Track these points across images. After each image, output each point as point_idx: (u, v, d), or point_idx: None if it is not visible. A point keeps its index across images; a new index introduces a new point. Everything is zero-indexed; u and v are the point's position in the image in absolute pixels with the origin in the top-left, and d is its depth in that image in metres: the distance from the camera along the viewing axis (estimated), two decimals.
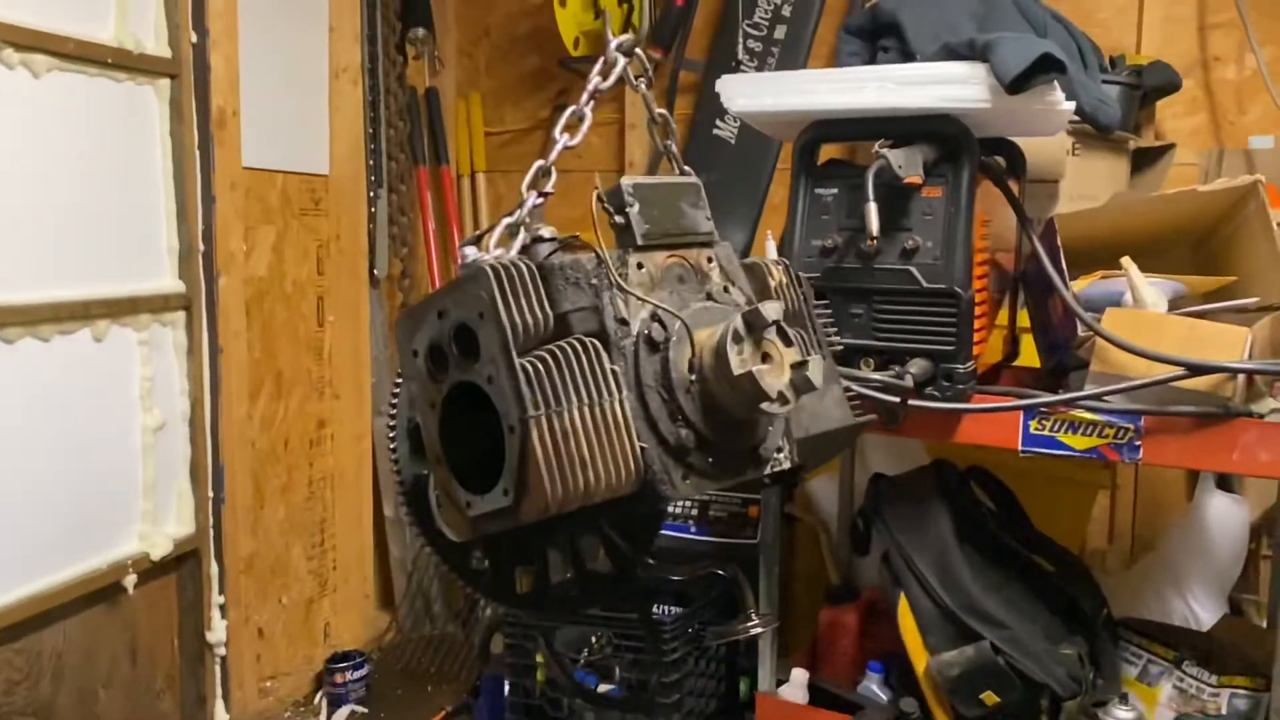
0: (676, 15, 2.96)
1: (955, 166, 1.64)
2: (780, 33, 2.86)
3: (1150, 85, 2.38)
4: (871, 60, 1.96)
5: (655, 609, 2.26)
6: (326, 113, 2.85)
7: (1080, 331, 1.64)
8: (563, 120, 1.18)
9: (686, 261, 1.18)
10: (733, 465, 1.13)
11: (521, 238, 1.11)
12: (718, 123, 2.91)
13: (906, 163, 1.59)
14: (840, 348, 1.49)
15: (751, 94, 1.76)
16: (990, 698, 1.76)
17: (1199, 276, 1.77)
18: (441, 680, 2.91)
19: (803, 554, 2.71)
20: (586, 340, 1.02)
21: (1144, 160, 2.40)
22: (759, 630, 1.41)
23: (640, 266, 1.12)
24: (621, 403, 1.01)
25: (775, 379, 1.04)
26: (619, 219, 1.13)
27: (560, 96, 3.25)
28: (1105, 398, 1.58)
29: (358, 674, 2.78)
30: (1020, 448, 1.65)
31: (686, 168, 1.30)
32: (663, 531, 1.50)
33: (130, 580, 2.22)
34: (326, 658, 2.82)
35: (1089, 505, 2.48)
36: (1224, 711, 1.82)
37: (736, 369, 1.02)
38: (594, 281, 1.08)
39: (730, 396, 1.05)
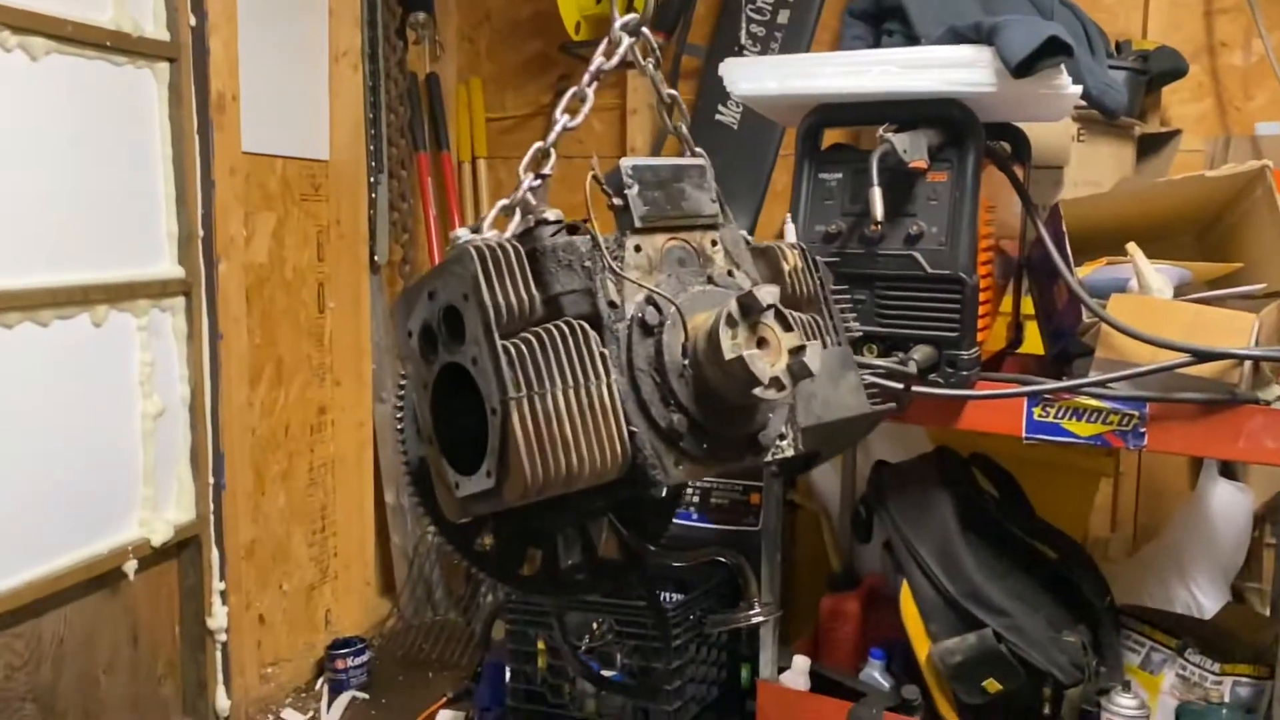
0: None
1: (960, 151, 1.62)
2: (784, 17, 2.84)
3: (1156, 70, 2.37)
4: (876, 44, 1.94)
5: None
6: (327, 98, 2.84)
7: (1085, 318, 1.63)
8: (564, 101, 1.17)
9: (688, 244, 1.16)
10: (729, 452, 1.11)
11: (518, 220, 1.10)
12: (720, 108, 2.90)
13: (911, 147, 1.58)
14: (859, 334, 1.47)
15: (755, 78, 1.75)
16: (992, 685, 1.76)
17: (1205, 263, 1.76)
18: (443, 667, 2.91)
19: (804, 541, 2.71)
20: (575, 323, 1.01)
21: (1149, 146, 2.38)
22: (761, 619, 1.40)
23: (638, 249, 1.11)
24: (609, 386, 1.00)
25: (768, 364, 1.02)
26: (617, 201, 1.12)
27: (562, 81, 3.23)
28: (1110, 384, 1.57)
29: (359, 660, 2.78)
30: (1024, 435, 1.64)
31: (699, 149, 1.28)
32: None
33: (131, 566, 2.22)
34: (327, 644, 2.82)
35: (1092, 492, 2.47)
36: (1227, 700, 1.81)
37: (728, 353, 1.00)
38: (587, 264, 1.07)
39: (723, 381, 1.04)
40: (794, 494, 2.65)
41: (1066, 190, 2.07)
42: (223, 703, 2.47)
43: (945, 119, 1.62)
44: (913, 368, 1.60)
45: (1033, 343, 1.98)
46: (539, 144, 1.14)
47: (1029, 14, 1.92)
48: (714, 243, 1.19)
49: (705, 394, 1.06)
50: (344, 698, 2.73)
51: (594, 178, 1.12)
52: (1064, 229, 1.67)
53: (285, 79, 2.68)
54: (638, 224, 1.12)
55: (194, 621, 2.43)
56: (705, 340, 1.04)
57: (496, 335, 0.96)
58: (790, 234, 1.67)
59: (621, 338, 1.05)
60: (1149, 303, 1.58)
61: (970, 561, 1.83)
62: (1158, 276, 1.62)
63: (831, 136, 1.79)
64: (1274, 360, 1.50)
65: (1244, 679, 1.82)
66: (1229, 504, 2.19)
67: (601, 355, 1.00)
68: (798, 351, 1.04)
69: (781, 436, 1.16)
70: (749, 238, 1.30)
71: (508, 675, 2.35)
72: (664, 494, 1.36)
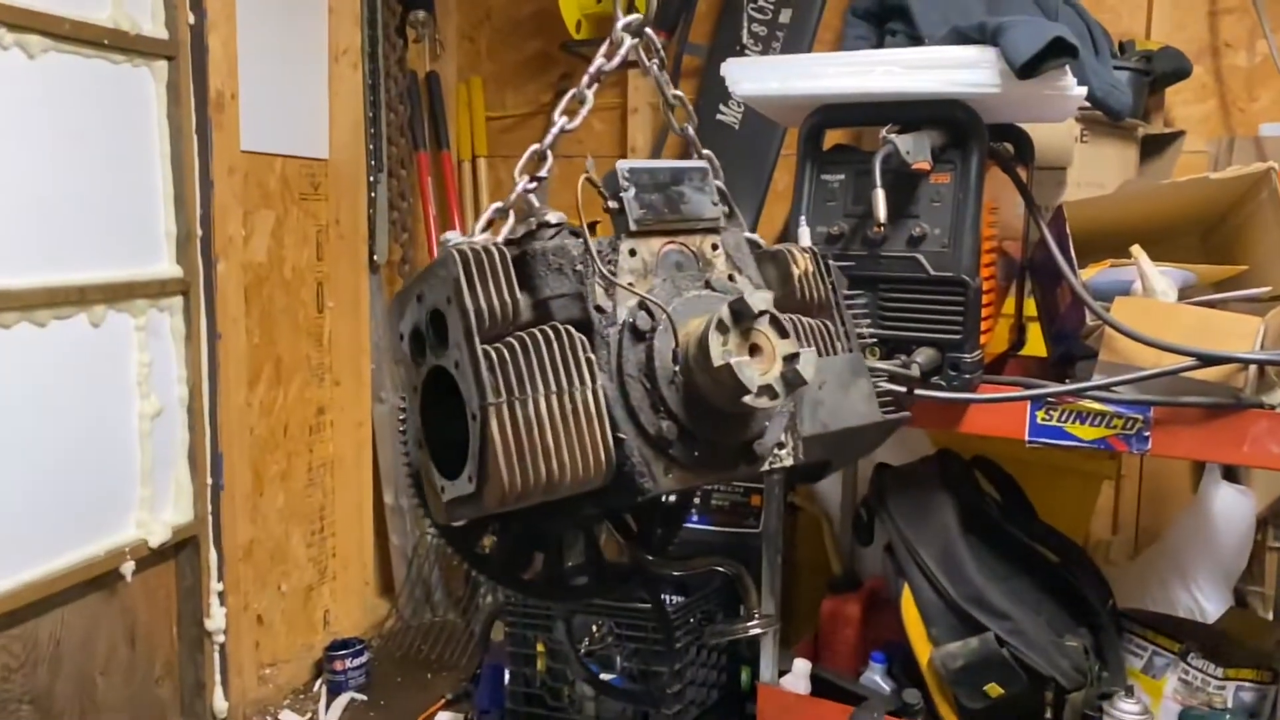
0: None
1: (964, 152, 1.61)
2: (785, 16, 2.83)
3: (1160, 71, 2.35)
4: (879, 44, 1.93)
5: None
6: (326, 96, 2.83)
7: (1088, 320, 1.62)
8: (563, 103, 1.15)
9: (687, 248, 1.15)
10: (722, 460, 1.08)
11: (511, 222, 1.09)
12: (721, 108, 2.88)
13: (914, 148, 1.56)
14: (873, 340, 1.45)
15: (757, 78, 1.73)
16: (994, 689, 1.75)
17: (1210, 265, 1.75)
18: (441, 668, 2.91)
19: (805, 543, 2.70)
20: (561, 327, 0.99)
21: (1153, 148, 2.37)
22: (759, 631, 1.38)
23: (633, 253, 1.09)
24: (594, 392, 0.98)
25: (759, 371, 0.99)
26: (613, 203, 1.10)
27: (562, 81, 3.22)
28: (1114, 388, 1.56)
29: (357, 661, 2.77)
30: (1027, 438, 1.63)
31: (706, 150, 1.27)
32: None
33: (128, 567, 2.21)
34: (326, 645, 2.81)
35: (1094, 496, 2.46)
36: (1229, 704, 1.81)
37: (717, 360, 0.98)
38: (579, 268, 1.05)
39: (712, 389, 1.01)
40: (795, 496, 2.64)
41: (1069, 192, 2.06)
42: (220, 704, 2.46)
43: (949, 120, 1.61)
44: (915, 370, 1.59)
45: (1035, 345, 1.97)
46: (535, 146, 1.12)
47: (1033, 14, 1.91)
48: (715, 246, 1.17)
49: (696, 401, 1.04)
50: (342, 699, 2.72)
51: (588, 180, 1.10)
52: (1067, 231, 1.66)
53: (284, 77, 2.67)
54: (633, 227, 1.10)
55: (192, 622, 2.42)
56: (696, 346, 1.02)
57: (477, 339, 0.94)
58: (804, 238, 1.66)
59: (612, 343, 1.04)
60: (1153, 305, 1.57)
61: (972, 565, 1.82)
62: (1162, 279, 1.61)
63: (834, 137, 1.78)
64: (1279, 364, 1.49)
65: (1247, 684, 1.81)
66: (1231, 507, 2.18)
67: (588, 360, 0.98)
68: (792, 359, 1.02)
69: (780, 445, 1.13)
70: (760, 241, 1.27)
71: (507, 677, 2.34)
72: (670, 502, 1.34)
